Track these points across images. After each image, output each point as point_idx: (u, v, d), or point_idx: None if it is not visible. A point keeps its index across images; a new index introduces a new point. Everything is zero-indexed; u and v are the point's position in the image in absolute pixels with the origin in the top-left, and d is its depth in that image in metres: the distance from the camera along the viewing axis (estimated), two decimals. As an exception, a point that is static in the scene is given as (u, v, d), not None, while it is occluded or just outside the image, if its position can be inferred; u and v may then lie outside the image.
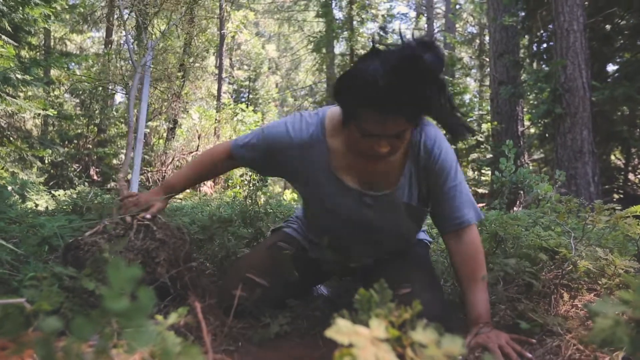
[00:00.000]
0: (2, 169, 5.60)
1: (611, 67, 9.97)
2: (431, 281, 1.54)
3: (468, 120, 13.76)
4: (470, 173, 13.90)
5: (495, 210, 3.84)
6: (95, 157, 10.02)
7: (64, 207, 2.11)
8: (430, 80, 1.19)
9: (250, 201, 2.24)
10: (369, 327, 0.73)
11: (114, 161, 10.51)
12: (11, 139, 5.89)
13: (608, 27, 9.04)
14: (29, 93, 6.77)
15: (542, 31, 10.27)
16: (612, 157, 11.65)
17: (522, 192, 4.30)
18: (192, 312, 1.32)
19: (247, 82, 27.92)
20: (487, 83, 17.65)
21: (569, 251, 1.72)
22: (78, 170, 9.70)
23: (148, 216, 1.54)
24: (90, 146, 9.91)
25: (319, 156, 1.49)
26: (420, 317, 1.29)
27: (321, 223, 1.67)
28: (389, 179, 1.49)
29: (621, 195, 10.72)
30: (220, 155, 1.67)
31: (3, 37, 4.42)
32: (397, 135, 1.29)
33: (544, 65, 9.97)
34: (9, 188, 1.92)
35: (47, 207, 3.45)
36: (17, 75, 4.45)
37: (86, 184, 9.42)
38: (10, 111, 5.15)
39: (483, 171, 13.78)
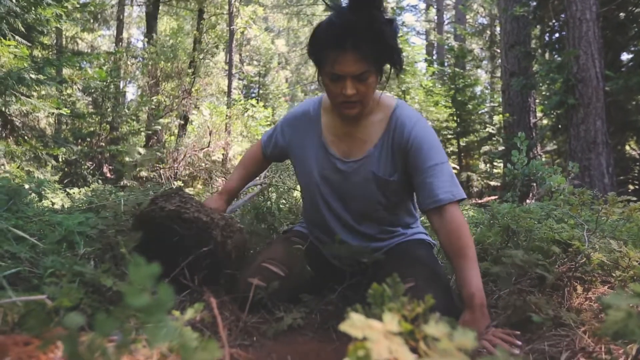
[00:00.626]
0: (18, 167, 5.68)
1: (625, 56, 9.84)
2: (435, 276, 1.53)
3: (479, 112, 13.67)
4: (482, 166, 13.83)
5: (508, 203, 3.82)
6: (108, 154, 10.10)
7: (80, 205, 2.14)
8: (378, 7, 1.36)
9: (262, 197, 2.26)
10: (382, 321, 0.75)
11: (127, 158, 10.59)
12: (26, 138, 5.97)
13: (622, 15, 8.90)
14: (42, 92, 6.85)
15: (553, 21, 10.15)
16: (627, 148, 11.50)
17: (534, 184, 4.27)
18: (207, 308, 1.34)
19: (257, 78, 27.92)
20: (499, 74, 17.49)
21: (582, 243, 1.71)
22: (91, 168, 9.80)
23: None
24: (103, 144, 9.99)
25: (315, 123, 1.71)
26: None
27: (308, 202, 1.80)
28: (364, 147, 1.62)
29: (637, 186, 10.59)
30: (257, 153, 1.94)
31: (17, 37, 4.48)
32: (359, 77, 1.42)
33: (556, 56, 9.86)
34: (26, 187, 1.95)
35: (63, 205, 3.51)
36: (31, 75, 4.51)
37: (100, 181, 9.52)
38: (24, 110, 5.22)
39: (495, 163, 13.70)
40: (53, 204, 2.91)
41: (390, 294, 0.87)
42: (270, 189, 2.33)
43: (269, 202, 2.27)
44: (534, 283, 1.70)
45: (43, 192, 3.63)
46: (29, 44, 4.76)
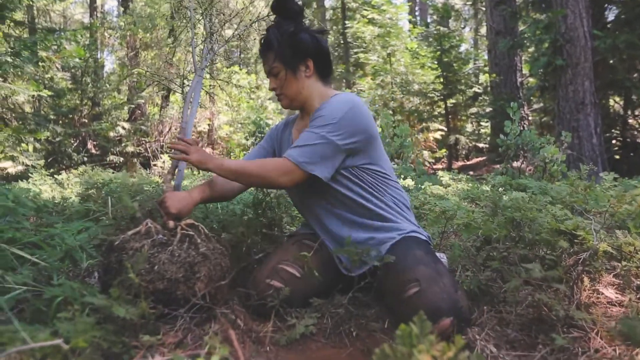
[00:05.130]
0: (1, 153, 5.55)
1: (611, 12, 9.73)
2: (439, 276, 1.52)
3: (465, 72, 13.55)
4: (469, 127, 13.82)
5: (503, 176, 3.84)
6: (93, 128, 9.89)
7: (77, 208, 2.09)
8: (288, 16, 1.76)
9: (262, 192, 2.23)
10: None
11: (111, 134, 10.40)
12: (7, 121, 5.79)
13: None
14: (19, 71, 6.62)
15: (540, -23, 9.96)
16: (611, 102, 11.54)
17: (525, 153, 4.26)
18: (222, 322, 1.33)
19: (237, 42, 27.22)
20: (483, 31, 17.27)
21: (587, 233, 1.71)
22: (75, 144, 9.61)
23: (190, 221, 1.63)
24: (86, 120, 9.77)
25: (289, 127, 1.97)
26: (431, 312, 1.32)
27: (293, 199, 1.98)
28: None
29: (620, 142, 10.69)
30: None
31: (-12, 19, 4.26)
32: (271, 72, 1.79)
33: (543, 15, 9.73)
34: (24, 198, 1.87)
35: (53, 198, 3.43)
36: (8, 59, 4.33)
37: (85, 159, 9.37)
38: (3, 94, 5.05)
39: (482, 123, 13.70)
40: (40, 192, 2.83)
41: (418, 333, 0.86)
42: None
43: (267, 197, 2.24)
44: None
45: (33, 184, 3.55)
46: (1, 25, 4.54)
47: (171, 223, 1.58)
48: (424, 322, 0.86)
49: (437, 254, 1.81)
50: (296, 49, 1.75)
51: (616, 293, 1.59)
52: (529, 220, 1.83)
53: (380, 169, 1.78)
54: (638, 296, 1.55)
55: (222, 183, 1.85)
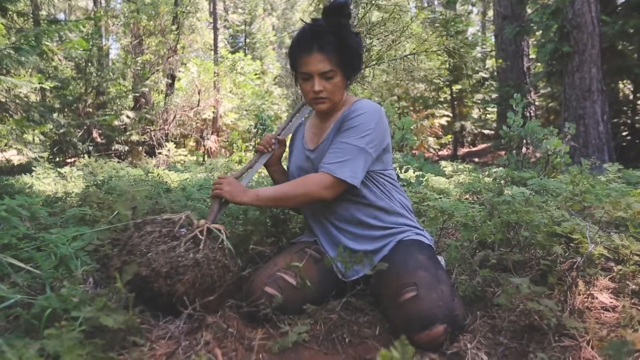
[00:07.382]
0: (6, 145, 5.57)
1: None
2: (437, 282, 1.50)
3: (471, 56, 13.38)
4: (475, 113, 13.68)
5: (504, 168, 3.82)
6: (96, 119, 9.92)
7: (72, 208, 2.09)
8: (346, 17, 1.63)
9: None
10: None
11: (116, 122, 10.42)
12: (10, 112, 5.80)
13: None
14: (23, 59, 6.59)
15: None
16: (620, 86, 11.37)
17: (529, 146, 4.21)
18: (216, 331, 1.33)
19: (242, 27, 27.13)
20: (490, 14, 17.02)
21: (583, 236, 1.70)
22: (80, 134, 9.64)
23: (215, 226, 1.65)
24: (90, 110, 9.77)
25: (302, 128, 1.96)
26: (425, 318, 1.33)
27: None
28: (323, 135, 1.79)
29: (628, 128, 10.55)
30: None
31: (-11, 13, 4.24)
32: (325, 75, 1.64)
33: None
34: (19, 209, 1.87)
35: (55, 194, 3.45)
36: (11, 51, 4.32)
37: (90, 148, 9.40)
38: (6, 87, 5.05)
39: (489, 109, 13.56)
40: (42, 191, 2.84)
41: (399, 358, 0.85)
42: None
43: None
44: (535, 278, 1.71)
45: (35, 178, 3.56)
46: (2, 19, 4.51)
47: (202, 221, 1.61)
48: (406, 347, 0.86)
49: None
50: (358, 58, 1.70)
51: (611, 298, 1.58)
52: (525, 222, 1.81)
53: (390, 174, 1.82)
54: (633, 301, 1.54)
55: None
